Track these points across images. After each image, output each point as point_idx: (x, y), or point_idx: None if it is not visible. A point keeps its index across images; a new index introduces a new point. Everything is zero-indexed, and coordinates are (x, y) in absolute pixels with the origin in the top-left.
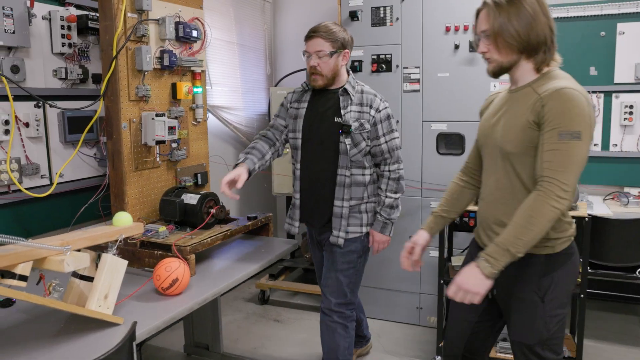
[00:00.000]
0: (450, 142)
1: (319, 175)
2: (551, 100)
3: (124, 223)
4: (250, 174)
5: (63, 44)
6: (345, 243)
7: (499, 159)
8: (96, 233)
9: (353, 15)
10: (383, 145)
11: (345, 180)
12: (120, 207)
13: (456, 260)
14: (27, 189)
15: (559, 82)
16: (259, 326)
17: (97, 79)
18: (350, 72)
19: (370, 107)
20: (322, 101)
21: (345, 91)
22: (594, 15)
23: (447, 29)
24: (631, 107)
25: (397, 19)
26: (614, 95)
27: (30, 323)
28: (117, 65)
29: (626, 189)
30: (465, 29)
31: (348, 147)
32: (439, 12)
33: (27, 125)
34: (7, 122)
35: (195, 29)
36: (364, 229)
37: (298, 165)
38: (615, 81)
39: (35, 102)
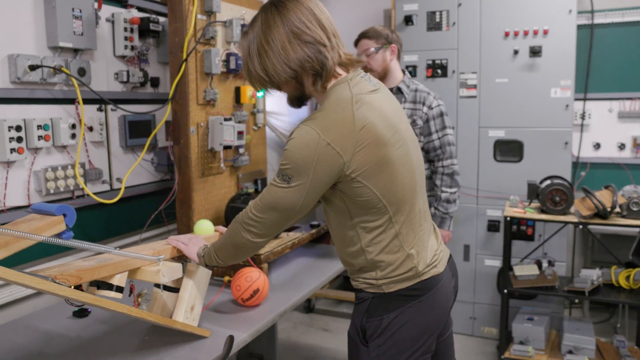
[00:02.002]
0: (508, 149)
1: None
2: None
3: (207, 232)
4: None
5: (125, 47)
6: None
7: None
8: None
9: (408, 20)
10: (436, 141)
11: None
12: (186, 214)
13: (519, 270)
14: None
15: (313, 114)
16: (309, 336)
17: (155, 82)
18: (407, 72)
19: (423, 104)
20: None
21: (399, 90)
22: None
23: (507, 34)
24: None
25: (454, 23)
26: None
27: (110, 334)
28: (187, 68)
29: None
30: (526, 33)
31: None
32: (497, 17)
33: (90, 129)
34: (73, 126)
35: None
36: None
37: None
38: None
39: (98, 106)
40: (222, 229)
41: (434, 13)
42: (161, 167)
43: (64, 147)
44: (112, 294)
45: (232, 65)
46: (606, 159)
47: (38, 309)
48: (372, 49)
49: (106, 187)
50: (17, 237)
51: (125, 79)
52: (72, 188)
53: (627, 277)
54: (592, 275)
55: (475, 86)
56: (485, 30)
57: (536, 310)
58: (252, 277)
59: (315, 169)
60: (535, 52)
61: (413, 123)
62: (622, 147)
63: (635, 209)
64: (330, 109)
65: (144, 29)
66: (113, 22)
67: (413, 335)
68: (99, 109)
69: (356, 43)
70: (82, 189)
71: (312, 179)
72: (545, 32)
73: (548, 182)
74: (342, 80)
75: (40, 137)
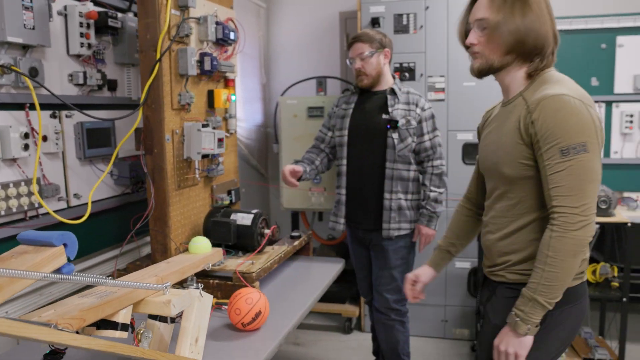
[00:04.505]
0: (476, 152)
1: (367, 170)
2: (541, 113)
3: (204, 250)
4: (302, 174)
5: (82, 44)
6: (395, 240)
7: (499, 183)
8: (183, 265)
9: (374, 22)
10: (427, 142)
11: (393, 174)
12: (161, 232)
13: None
14: (46, 214)
15: (549, 87)
16: (281, 352)
17: (112, 85)
18: (396, 77)
19: (417, 105)
20: (369, 101)
21: (393, 91)
22: (595, 29)
23: None
24: (631, 116)
25: (421, 26)
26: (614, 105)
27: None
28: (161, 69)
29: (625, 194)
30: None
31: (395, 141)
32: None
33: (45, 138)
34: (26, 136)
35: (232, 31)
36: (412, 225)
37: (344, 162)
38: (615, 91)
39: (51, 112)
40: None
41: (400, 16)
42: (122, 179)
43: (14, 160)
44: (117, 333)
45: (207, 67)
46: None
47: None
48: (367, 53)
49: (63, 205)
50: (13, 277)
51: (81, 81)
52: (25, 208)
53: (593, 272)
54: None
55: (443, 90)
56: (453, 34)
57: None
58: (252, 299)
59: (593, 127)
60: None
61: (407, 123)
62: None
63: (603, 206)
64: (563, 82)
65: (101, 25)
66: (66, 16)
67: (564, 337)
68: (53, 116)
69: (349, 46)
70: (36, 208)
71: (596, 137)
72: None
73: None
74: (550, 70)
75: None
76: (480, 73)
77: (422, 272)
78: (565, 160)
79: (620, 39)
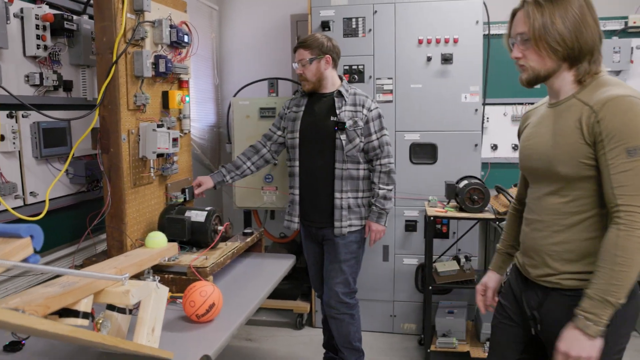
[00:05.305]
0: (423, 152)
1: (318, 171)
2: (608, 113)
3: (160, 244)
4: (215, 185)
5: (38, 46)
6: (346, 235)
7: (550, 181)
8: (140, 258)
9: (325, 26)
10: (375, 141)
11: (342, 174)
12: (117, 229)
13: (440, 267)
14: (1, 212)
15: (611, 89)
16: (233, 347)
17: (68, 86)
18: (344, 78)
19: (363, 106)
20: (318, 104)
21: (340, 93)
22: None
23: (420, 42)
24: None
25: (370, 30)
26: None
27: None
28: (117, 70)
29: None
30: (437, 42)
31: (344, 142)
32: (411, 25)
33: (2, 138)
34: None
35: (186, 34)
36: (363, 222)
37: (296, 163)
38: None
39: (8, 112)
40: None
41: (350, 19)
42: (78, 178)
43: None
44: (79, 321)
45: (162, 69)
46: (503, 159)
47: None
48: (307, 59)
49: (19, 203)
50: None
51: (37, 82)
52: None
53: None
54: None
55: (391, 91)
56: (400, 38)
57: (454, 304)
58: (206, 292)
59: None
60: (446, 59)
61: (355, 124)
62: (515, 147)
63: None
64: (623, 84)
65: (57, 27)
66: (22, 18)
67: (630, 328)
68: (9, 116)
69: (294, 50)
70: None
71: None
72: (456, 41)
73: (465, 182)
74: (603, 73)
75: None
76: (529, 84)
77: (489, 279)
78: (632, 160)
79: None
